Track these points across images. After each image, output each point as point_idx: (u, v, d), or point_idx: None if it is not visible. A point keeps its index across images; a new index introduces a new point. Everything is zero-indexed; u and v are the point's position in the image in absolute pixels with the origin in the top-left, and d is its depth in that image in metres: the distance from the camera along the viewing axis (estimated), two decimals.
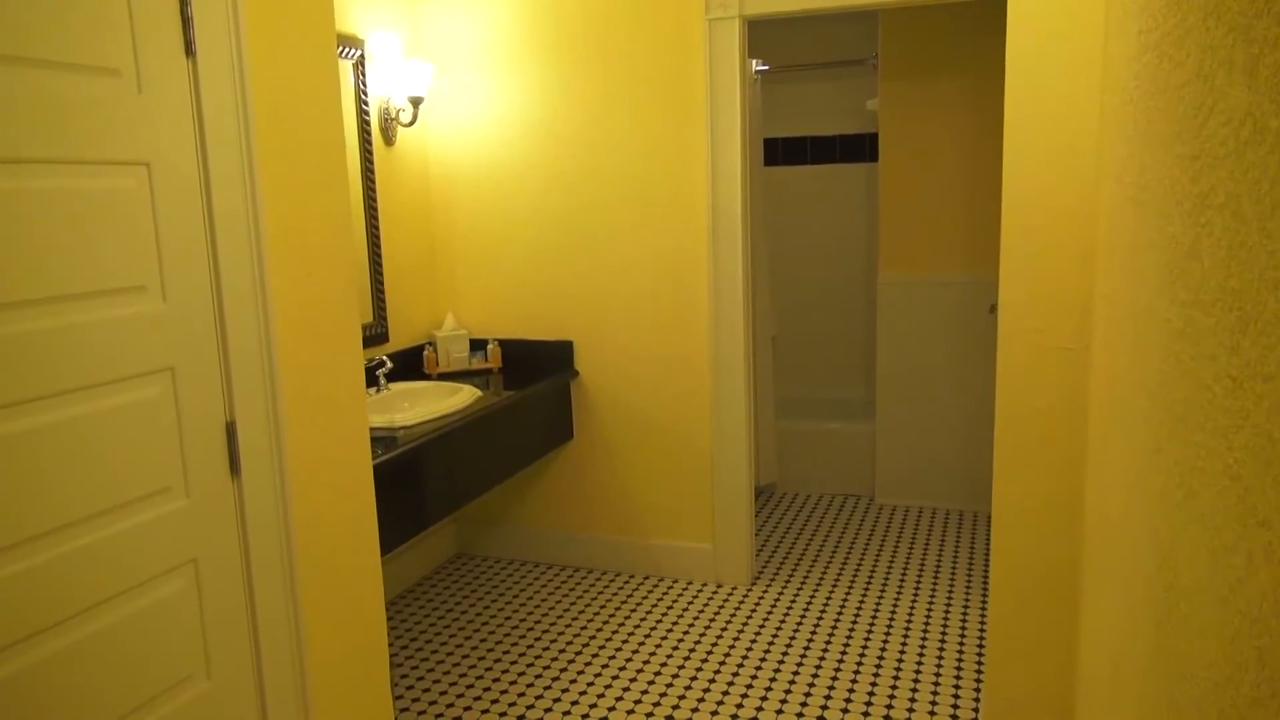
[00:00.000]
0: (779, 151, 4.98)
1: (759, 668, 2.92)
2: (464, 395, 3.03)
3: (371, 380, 3.11)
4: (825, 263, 5.00)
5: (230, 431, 1.73)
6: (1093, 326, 1.93)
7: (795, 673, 2.88)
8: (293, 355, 1.86)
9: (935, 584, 3.48)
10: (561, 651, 3.07)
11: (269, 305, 1.78)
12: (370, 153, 3.24)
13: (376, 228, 3.28)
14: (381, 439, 2.64)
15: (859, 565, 3.68)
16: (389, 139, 3.36)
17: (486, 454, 3.07)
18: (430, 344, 3.55)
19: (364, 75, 3.19)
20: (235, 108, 1.71)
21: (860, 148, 4.84)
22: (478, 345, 3.63)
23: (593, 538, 3.68)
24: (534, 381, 3.37)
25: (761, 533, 4.04)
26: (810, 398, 5.10)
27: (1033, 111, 1.98)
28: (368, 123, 3.22)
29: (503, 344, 3.61)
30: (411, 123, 3.37)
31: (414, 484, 2.70)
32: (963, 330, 4.11)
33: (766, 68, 4.33)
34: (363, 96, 3.19)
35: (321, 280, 1.94)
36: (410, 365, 3.49)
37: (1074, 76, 1.92)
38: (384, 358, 3.08)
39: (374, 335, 3.29)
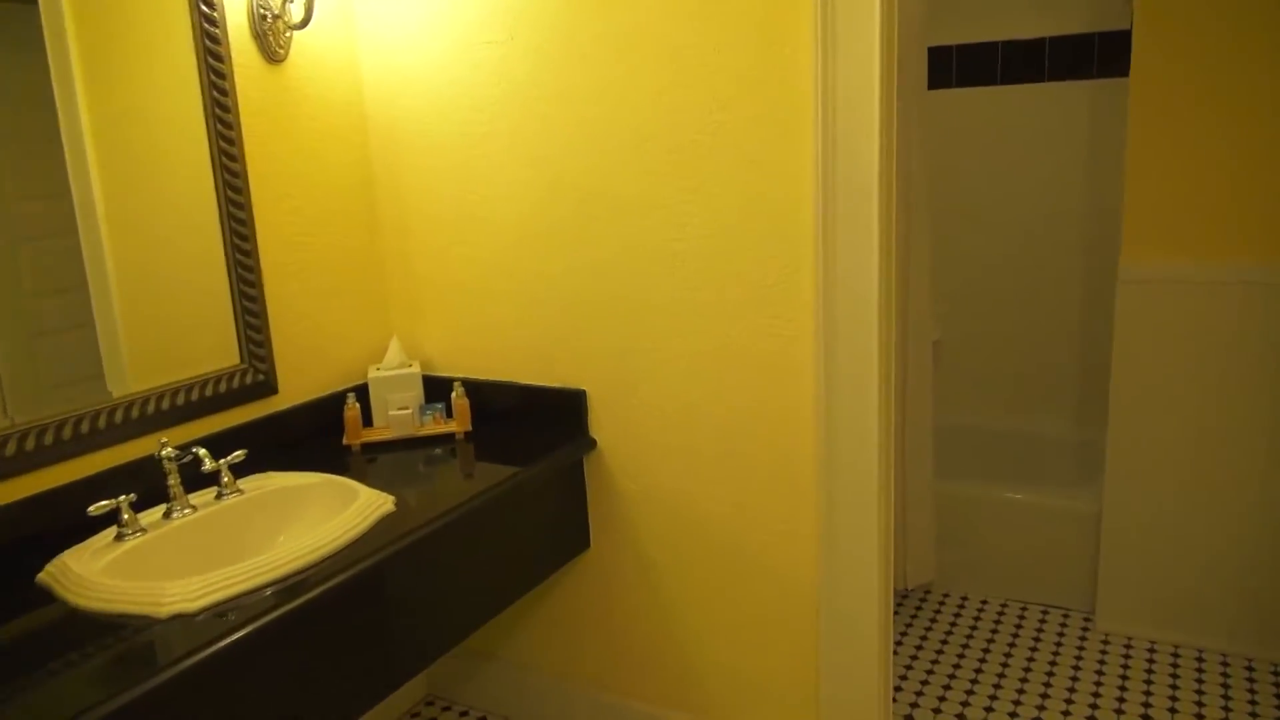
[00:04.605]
0: (953, 66, 3.31)
1: None
2: (352, 515, 1.65)
3: (199, 481, 1.79)
4: (1022, 237, 3.33)
5: None
6: None
7: None
8: None
9: None
10: None
11: None
12: (222, 74, 1.87)
13: (241, 201, 1.92)
14: (139, 638, 1.31)
15: None
16: (271, 51, 1.98)
17: (408, 616, 1.70)
18: (355, 393, 2.19)
19: None
20: None
21: (1086, 55, 3.11)
22: (438, 391, 2.25)
23: (623, 706, 2.27)
24: (523, 458, 1.97)
25: (908, 683, 2.53)
26: (988, 431, 3.48)
27: None
28: (214, 22, 1.84)
29: (475, 390, 2.22)
30: (304, 22, 1.98)
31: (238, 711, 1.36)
32: (1269, 358, 2.42)
33: None
34: None
35: None
36: (324, 428, 2.15)
37: None
38: (198, 452, 1.68)
39: (242, 388, 1.95)
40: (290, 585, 1.46)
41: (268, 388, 2.01)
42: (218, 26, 1.85)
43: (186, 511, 1.68)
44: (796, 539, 1.98)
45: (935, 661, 2.61)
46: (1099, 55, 3.07)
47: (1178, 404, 2.53)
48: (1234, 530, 2.52)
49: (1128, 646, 2.63)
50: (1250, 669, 2.50)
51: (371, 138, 2.25)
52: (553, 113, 2.01)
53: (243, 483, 1.80)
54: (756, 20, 1.75)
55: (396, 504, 1.76)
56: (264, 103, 1.98)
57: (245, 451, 1.78)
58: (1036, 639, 2.70)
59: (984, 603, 2.90)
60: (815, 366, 1.86)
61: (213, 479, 1.79)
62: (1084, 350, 3.28)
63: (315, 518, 1.75)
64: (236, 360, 1.95)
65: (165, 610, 1.38)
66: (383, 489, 1.82)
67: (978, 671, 2.55)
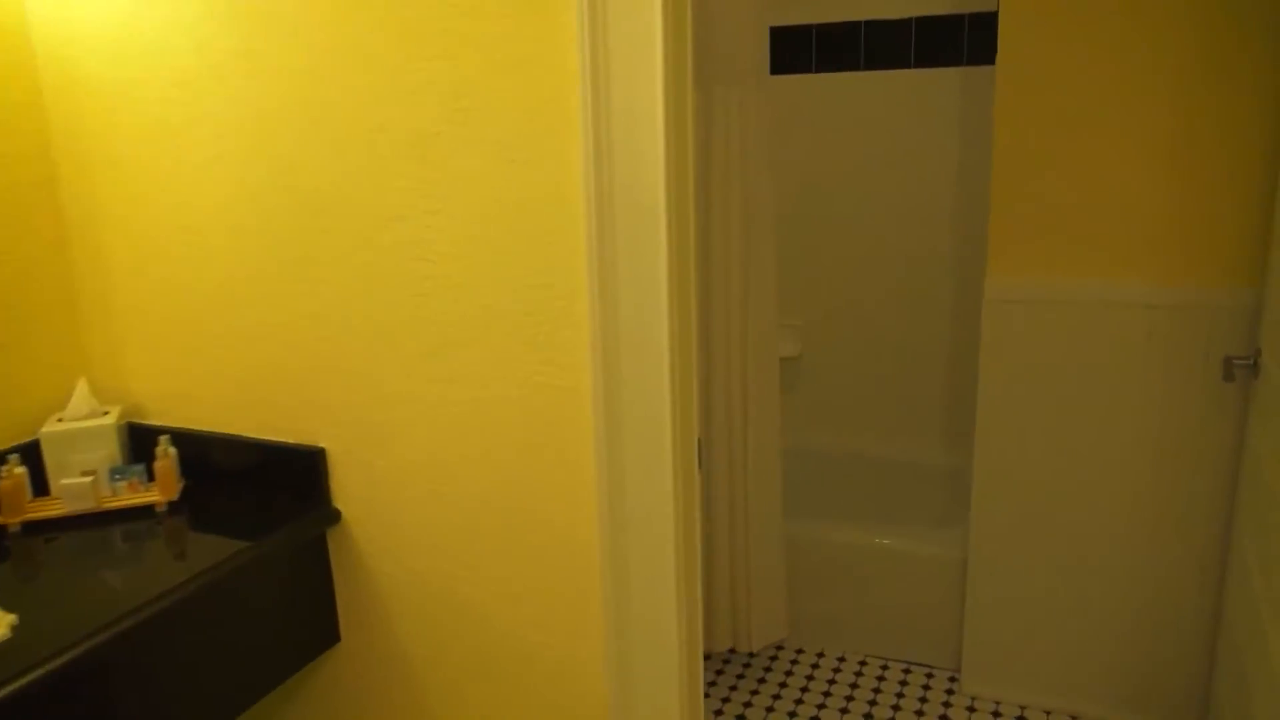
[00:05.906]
0: (812, 48, 2.95)
1: None
2: None
3: None
4: (889, 241, 3.00)
5: None
6: None
7: None
8: None
9: None
10: None
11: None
12: None
13: None
14: None
15: None
16: None
17: None
18: (22, 453, 1.69)
19: None
20: None
21: (954, 39, 2.79)
22: (143, 444, 1.77)
23: None
24: (242, 534, 1.52)
25: None
26: (851, 457, 3.16)
27: None
28: None
29: (191, 445, 1.75)
30: None
31: None
32: (1154, 391, 2.12)
33: None
34: None
35: None
36: None
37: None
38: None
39: None
40: None
41: None
42: None
43: None
44: (581, 635, 1.58)
45: None
46: (971, 38, 2.74)
47: (1046, 436, 2.23)
48: (1106, 585, 2.23)
49: (996, 714, 2.32)
50: None
51: (52, 120, 1.75)
52: (266, 93, 1.55)
53: None
54: (519, 15, 1.33)
55: (18, 626, 1.29)
56: None
57: None
58: (897, 704, 2.37)
59: (841, 660, 2.56)
60: (595, 423, 1.46)
61: None
62: (954, 367, 2.98)
63: None
64: None
65: None
66: (29, 591, 1.35)
67: None
